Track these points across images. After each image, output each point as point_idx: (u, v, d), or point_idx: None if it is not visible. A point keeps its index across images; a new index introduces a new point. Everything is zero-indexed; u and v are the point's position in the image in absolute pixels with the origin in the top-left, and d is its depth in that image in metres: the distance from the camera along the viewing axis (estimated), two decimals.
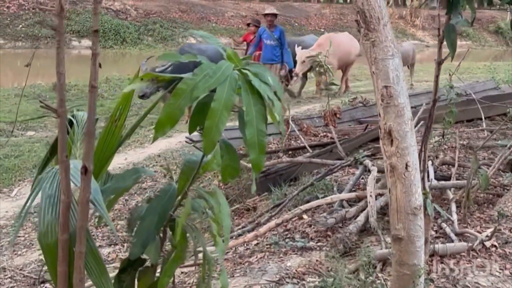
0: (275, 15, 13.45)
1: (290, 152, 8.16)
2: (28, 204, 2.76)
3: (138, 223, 2.64)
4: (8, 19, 31.81)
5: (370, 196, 4.95)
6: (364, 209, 5.00)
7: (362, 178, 6.17)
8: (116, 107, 2.81)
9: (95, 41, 2.72)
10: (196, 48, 12.40)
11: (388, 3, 51.52)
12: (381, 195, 5.13)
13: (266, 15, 13.53)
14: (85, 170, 2.48)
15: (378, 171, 5.53)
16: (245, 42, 14.79)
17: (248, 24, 15.28)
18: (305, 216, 5.34)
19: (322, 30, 40.65)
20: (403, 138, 3.30)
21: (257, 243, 5.10)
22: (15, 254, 5.70)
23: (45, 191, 2.77)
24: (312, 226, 5.06)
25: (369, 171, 5.67)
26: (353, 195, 5.48)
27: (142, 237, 2.55)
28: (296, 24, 40.82)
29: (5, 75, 23.71)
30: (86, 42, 32.04)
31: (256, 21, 15.04)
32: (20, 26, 31.51)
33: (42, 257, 2.62)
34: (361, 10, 3.28)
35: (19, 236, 5.90)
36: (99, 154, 3.03)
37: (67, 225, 2.35)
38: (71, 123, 3.68)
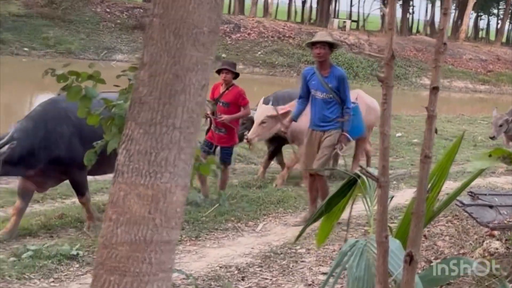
0: (329, 45, 7.32)
1: None
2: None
3: None
4: (249, 45, 33.22)
5: None
6: None
7: None
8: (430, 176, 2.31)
9: (433, 101, 2.20)
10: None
11: None
12: None
13: (313, 45, 7.33)
14: (410, 259, 2.02)
15: None
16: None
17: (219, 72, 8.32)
18: None
19: None
20: None
21: None
22: None
23: (351, 272, 2.33)
24: None
25: None
26: None
27: None
28: None
29: None
30: None
31: (230, 64, 8.51)
32: (259, 53, 32.73)
33: None
34: None
35: (265, 279, 5.62)
36: (403, 230, 2.53)
37: None
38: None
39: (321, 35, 7.55)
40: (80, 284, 5.33)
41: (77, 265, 5.69)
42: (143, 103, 2.36)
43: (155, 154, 2.33)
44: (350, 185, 3.06)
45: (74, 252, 5.83)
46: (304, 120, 7.86)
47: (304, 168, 7.76)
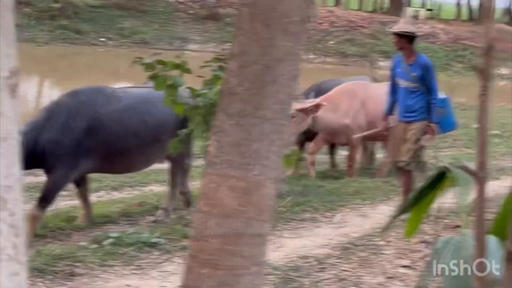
0: (408, 36, 7.09)
1: None
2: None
3: None
4: (320, 35, 32.89)
5: None
6: None
7: None
8: None
9: None
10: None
11: None
12: None
13: (395, 35, 7.22)
14: (509, 257, 1.91)
15: None
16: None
17: None
18: None
19: None
20: None
21: None
22: None
23: (446, 269, 2.21)
24: None
25: None
26: None
27: None
28: None
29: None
30: None
31: None
32: (331, 42, 32.43)
33: None
34: None
35: (345, 270, 5.56)
36: (498, 225, 2.40)
37: None
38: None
39: (401, 23, 7.39)
40: (160, 272, 5.39)
41: (157, 253, 5.75)
42: (233, 94, 2.33)
43: (246, 145, 2.30)
44: (438, 178, 2.95)
45: (154, 240, 5.89)
46: (331, 115, 8.37)
47: (391, 160, 7.63)
